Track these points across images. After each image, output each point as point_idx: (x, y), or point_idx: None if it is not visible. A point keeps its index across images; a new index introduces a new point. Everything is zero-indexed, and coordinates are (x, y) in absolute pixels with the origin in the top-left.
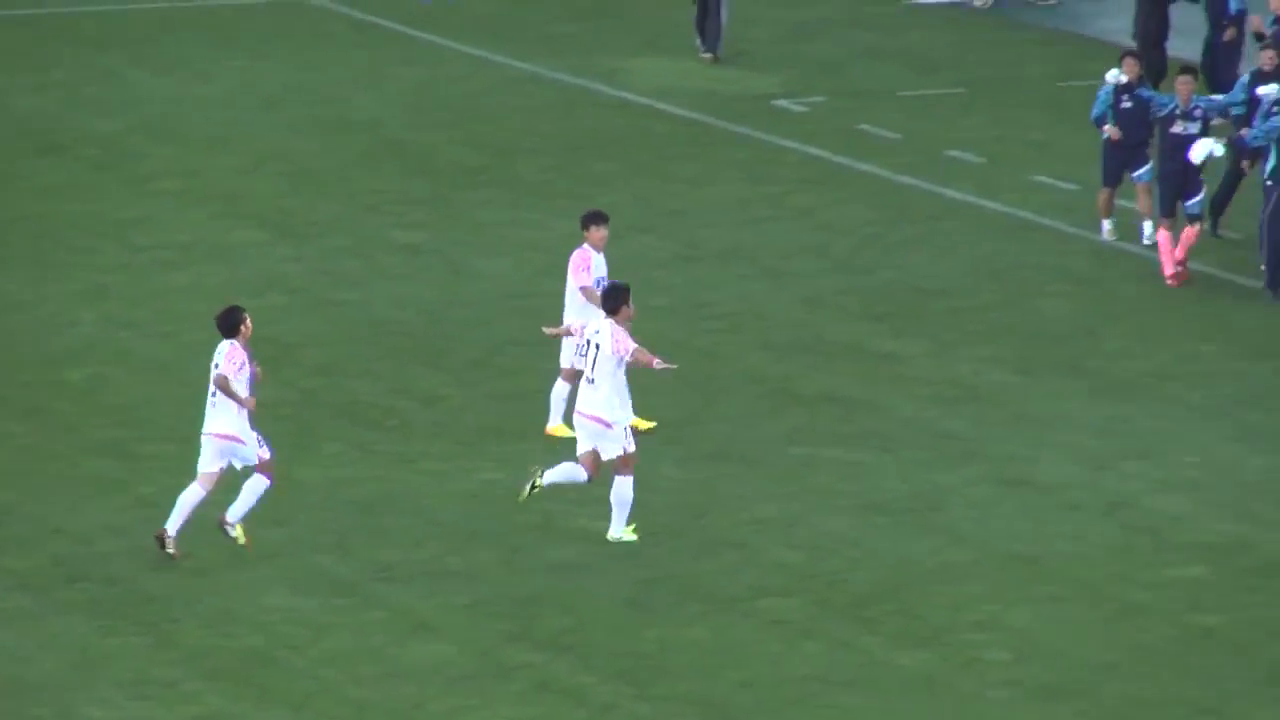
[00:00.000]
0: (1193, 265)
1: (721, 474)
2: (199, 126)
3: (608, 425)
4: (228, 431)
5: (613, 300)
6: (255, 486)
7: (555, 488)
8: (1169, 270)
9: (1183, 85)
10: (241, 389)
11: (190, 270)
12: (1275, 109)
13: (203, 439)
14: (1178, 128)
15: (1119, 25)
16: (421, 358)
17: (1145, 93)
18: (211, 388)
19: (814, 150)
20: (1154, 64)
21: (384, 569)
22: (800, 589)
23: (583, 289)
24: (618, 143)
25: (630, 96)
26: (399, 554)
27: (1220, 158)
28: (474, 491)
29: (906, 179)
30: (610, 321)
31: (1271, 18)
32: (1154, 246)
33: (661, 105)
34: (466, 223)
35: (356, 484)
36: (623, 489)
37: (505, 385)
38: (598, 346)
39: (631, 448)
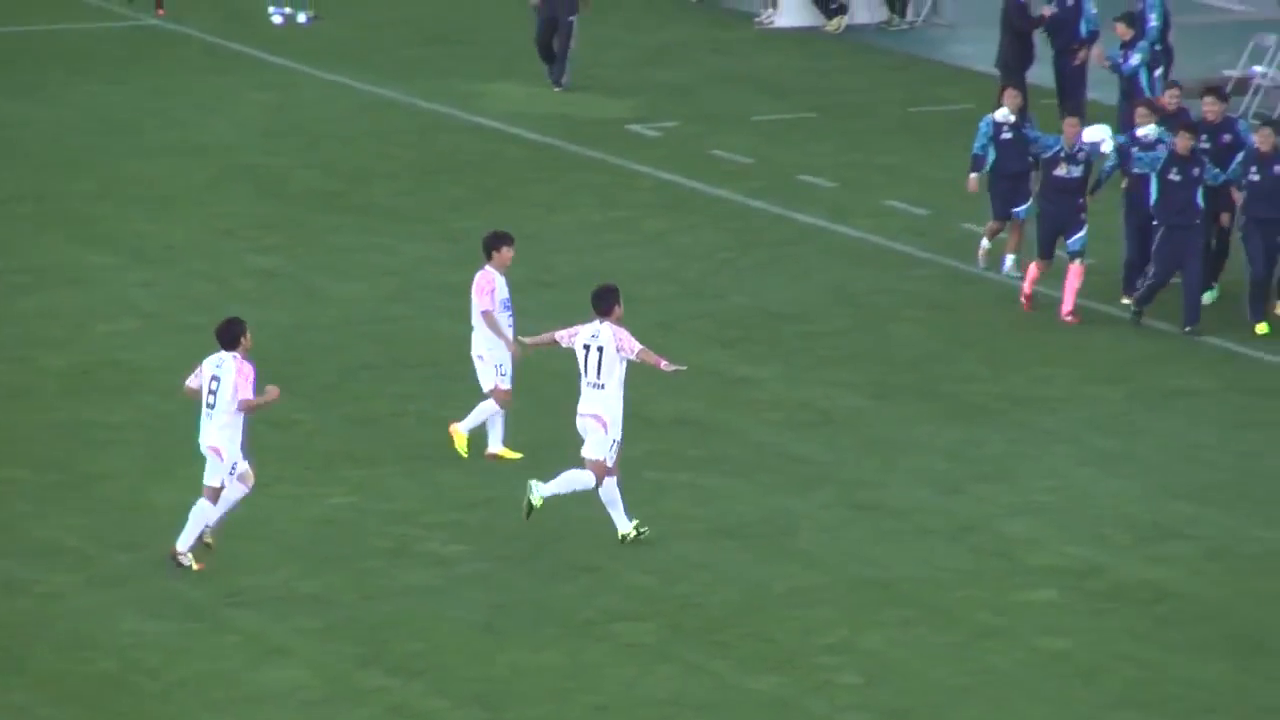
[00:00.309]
0: (1043, 289)
1: (575, 497)
2: (53, 150)
3: (604, 427)
4: (214, 444)
5: (605, 301)
6: (199, 510)
7: (558, 498)
8: (1027, 290)
9: (1069, 127)
10: (260, 396)
11: (43, 295)
12: (1160, 146)
13: (204, 450)
14: (1061, 170)
15: (970, 50)
16: (274, 382)
17: (1031, 133)
18: (211, 399)
19: (667, 175)
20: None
21: (237, 593)
22: (653, 613)
23: (484, 313)
24: (471, 167)
25: (484, 121)
26: (252, 578)
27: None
28: (327, 516)
29: (759, 204)
30: (609, 324)
31: (1118, 44)
32: (1018, 277)
33: (515, 130)
34: (320, 247)
35: None
36: (609, 491)
37: (358, 410)
38: (600, 350)
39: (611, 462)
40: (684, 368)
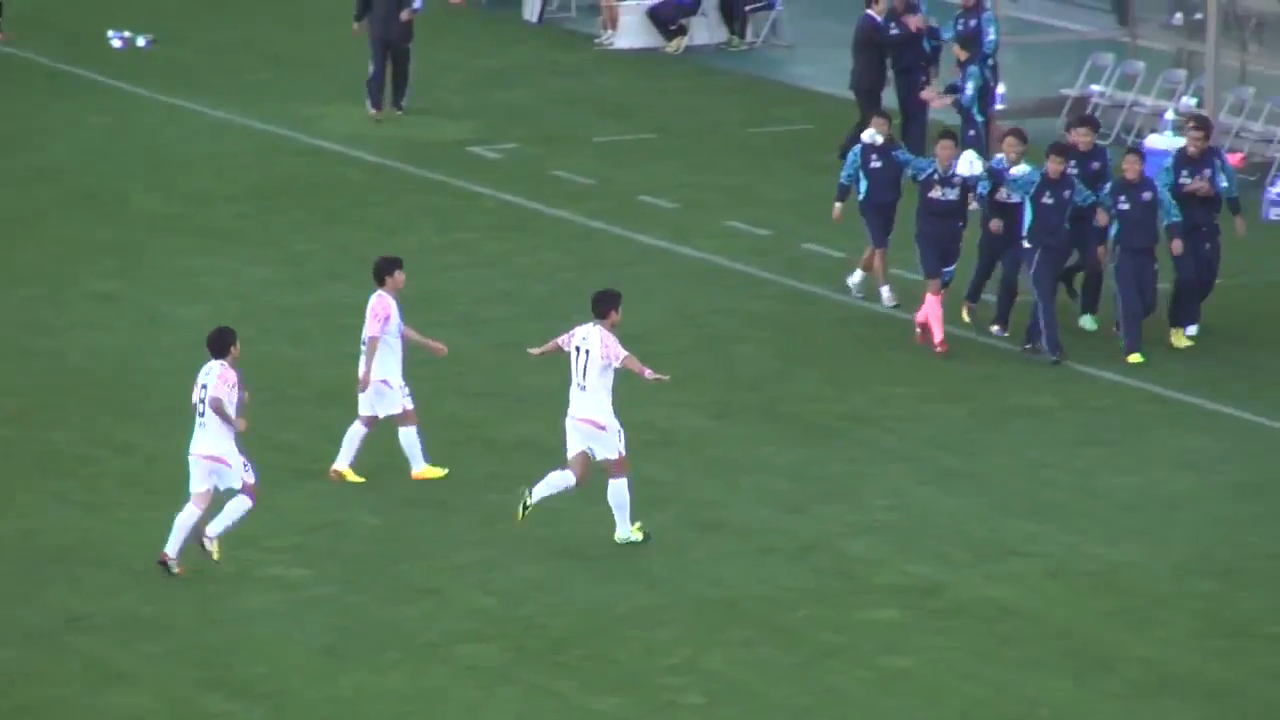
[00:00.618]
0: (881, 309)
1: (418, 520)
2: None
3: (602, 428)
4: (213, 453)
5: (603, 305)
6: (238, 506)
7: (546, 500)
8: (938, 336)
9: (943, 149)
10: (231, 410)
11: None
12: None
13: (190, 460)
14: (936, 193)
15: (810, 71)
16: (115, 406)
17: (903, 155)
18: (201, 408)
19: (507, 196)
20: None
21: (78, 618)
22: (496, 635)
23: (372, 338)
24: (312, 190)
25: (324, 144)
26: (93, 603)
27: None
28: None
29: (600, 225)
30: (599, 327)
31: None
32: (894, 308)
33: (356, 152)
34: (161, 271)
35: (50, 533)
36: (619, 491)
37: None
38: (587, 353)
39: (624, 450)
40: (666, 378)
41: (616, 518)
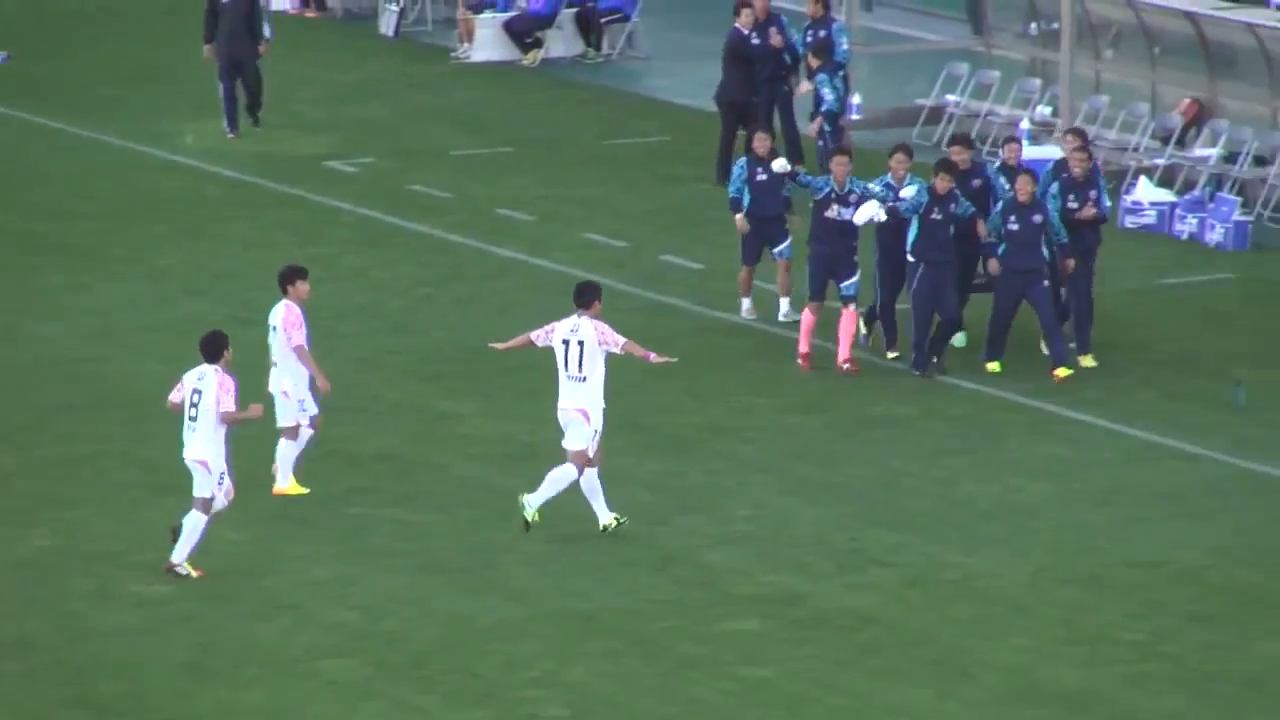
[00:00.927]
0: (740, 321)
1: (279, 535)
2: None
3: (586, 419)
4: (199, 456)
5: (589, 295)
6: (194, 523)
7: (551, 501)
8: (804, 348)
9: (838, 166)
10: (242, 413)
11: None
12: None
13: (188, 464)
14: (831, 211)
15: (666, 84)
16: None
17: (805, 178)
18: (193, 411)
19: (365, 211)
20: (731, 126)
21: None
22: (358, 649)
23: (298, 348)
24: (170, 206)
25: (182, 160)
26: None
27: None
28: (27, 559)
29: (459, 238)
30: (588, 317)
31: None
32: (791, 324)
33: (213, 168)
34: (18, 288)
35: None
36: (563, 474)
37: (59, 451)
38: (581, 344)
39: (592, 453)
40: (674, 359)
41: (542, 490)
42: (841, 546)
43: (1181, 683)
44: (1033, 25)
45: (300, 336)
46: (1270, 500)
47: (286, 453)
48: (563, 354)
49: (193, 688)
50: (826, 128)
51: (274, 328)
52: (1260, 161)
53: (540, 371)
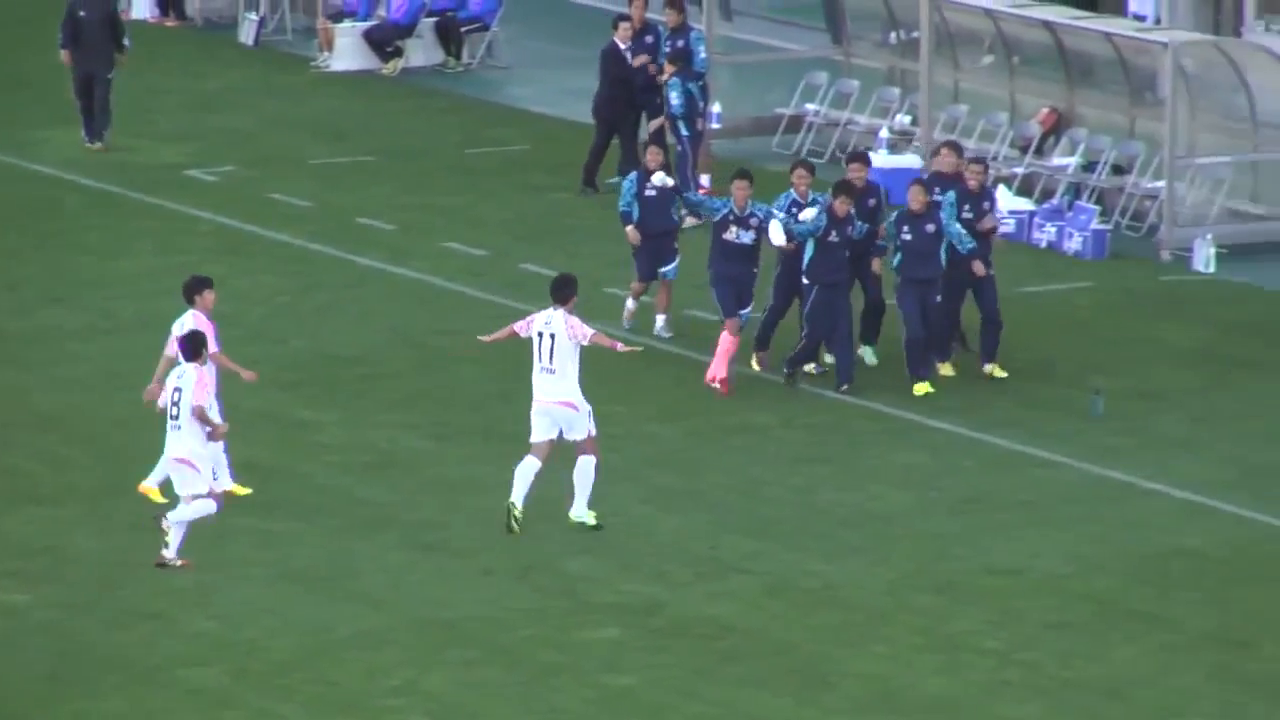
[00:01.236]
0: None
1: (138, 544)
2: None
3: (576, 408)
4: (182, 455)
5: (565, 290)
6: (202, 507)
7: (527, 495)
8: (722, 373)
9: (738, 190)
10: (216, 415)
11: None
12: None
13: (170, 464)
14: (730, 234)
15: (526, 92)
16: None
17: (693, 196)
18: (174, 410)
19: (225, 220)
20: (603, 138)
21: None
22: (218, 658)
23: (214, 353)
24: (27, 214)
25: (41, 168)
26: None
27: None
28: None
29: (319, 247)
30: (562, 311)
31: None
32: (666, 340)
33: (72, 176)
34: None
35: None
36: (587, 468)
37: None
38: (553, 336)
39: (595, 430)
40: (639, 349)
41: (577, 495)
42: (701, 554)
43: (1040, 690)
44: (892, 34)
45: (213, 344)
46: (1128, 508)
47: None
48: (537, 345)
49: (51, 697)
50: (684, 131)
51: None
52: (1118, 170)
53: (400, 380)
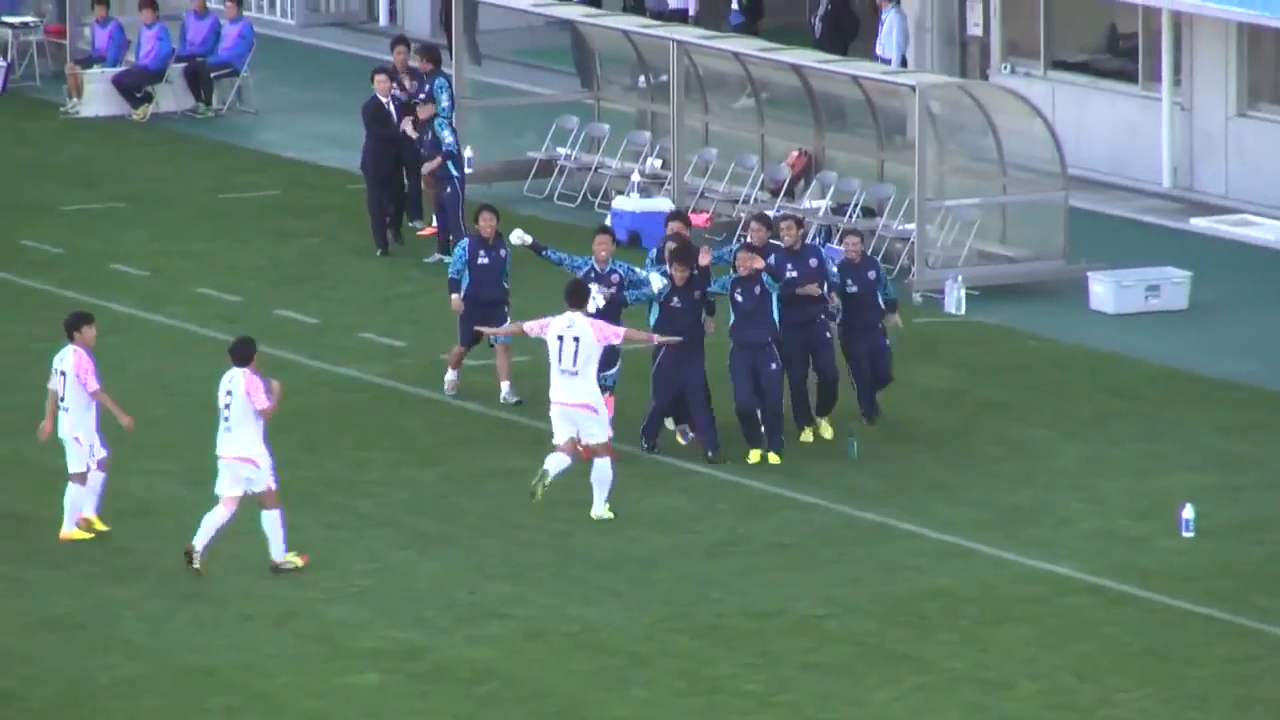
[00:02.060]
0: (354, 375)
1: None
2: None
3: (594, 411)
4: (243, 454)
5: (579, 295)
6: (273, 521)
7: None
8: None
9: (600, 246)
10: (269, 400)
11: None
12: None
13: (220, 463)
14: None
15: (276, 138)
16: None
17: (555, 254)
18: (226, 413)
19: None
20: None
21: None
22: None
23: (95, 393)
24: None
25: None
26: None
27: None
28: None
29: (71, 293)
30: (582, 314)
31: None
32: (511, 406)
33: None
34: None
35: None
36: (604, 469)
37: None
38: (576, 339)
39: (611, 432)
40: (677, 339)
41: (595, 495)
42: (461, 599)
43: None
44: (641, 78)
45: (94, 381)
46: (883, 549)
47: (75, 497)
48: (557, 349)
49: None
50: (454, 172)
51: (62, 373)
52: (869, 213)
53: (155, 427)
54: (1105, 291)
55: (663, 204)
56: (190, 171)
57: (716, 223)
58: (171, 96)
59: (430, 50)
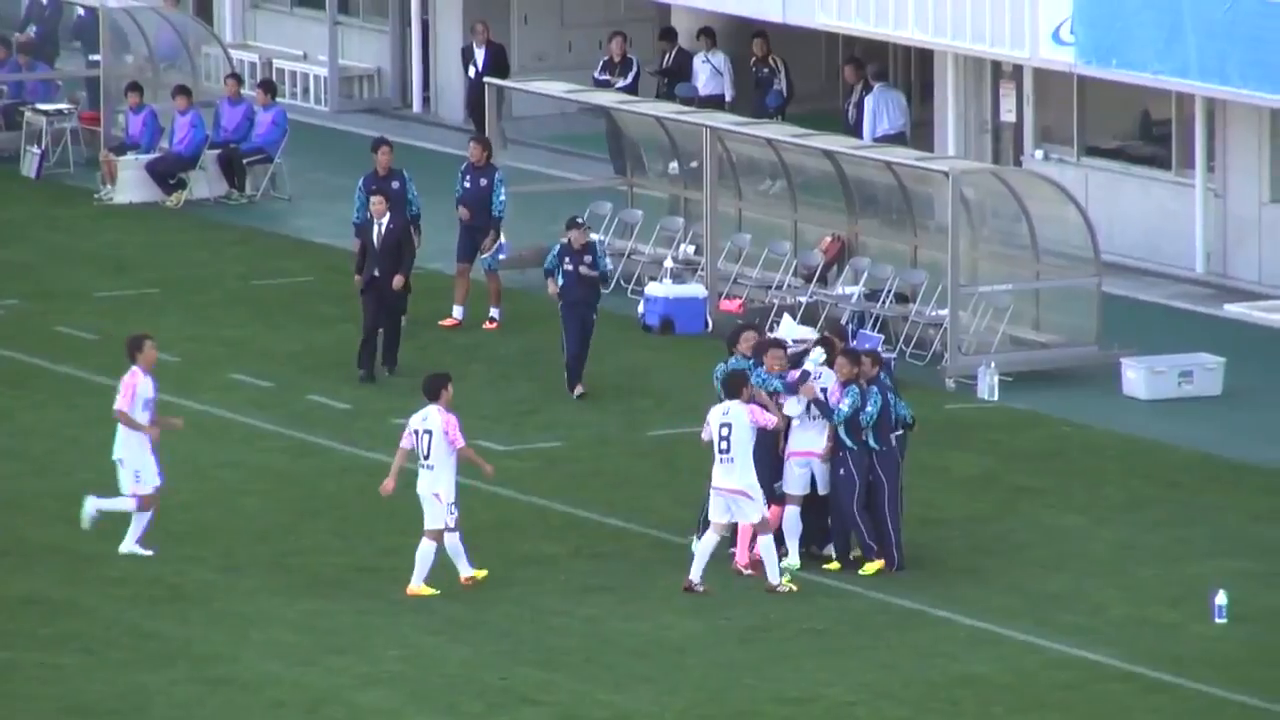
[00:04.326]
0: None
1: None
2: None
3: (750, 497)
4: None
5: (739, 383)
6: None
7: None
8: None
9: (773, 360)
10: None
11: None
12: None
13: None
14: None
15: (310, 224)
16: None
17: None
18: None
19: (9, 353)
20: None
21: None
22: None
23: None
24: None
25: None
26: None
27: None
28: None
29: (104, 379)
30: (740, 403)
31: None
32: (543, 494)
33: None
34: None
35: None
36: (769, 544)
37: None
38: (728, 426)
39: (766, 511)
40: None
41: (767, 566)
42: (492, 685)
43: None
44: (674, 164)
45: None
46: (915, 635)
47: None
48: (717, 439)
49: None
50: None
51: (429, 431)
52: (901, 299)
53: (187, 512)
54: (1138, 377)
55: (696, 290)
56: (223, 257)
57: (750, 308)
58: (205, 183)
59: (485, 140)
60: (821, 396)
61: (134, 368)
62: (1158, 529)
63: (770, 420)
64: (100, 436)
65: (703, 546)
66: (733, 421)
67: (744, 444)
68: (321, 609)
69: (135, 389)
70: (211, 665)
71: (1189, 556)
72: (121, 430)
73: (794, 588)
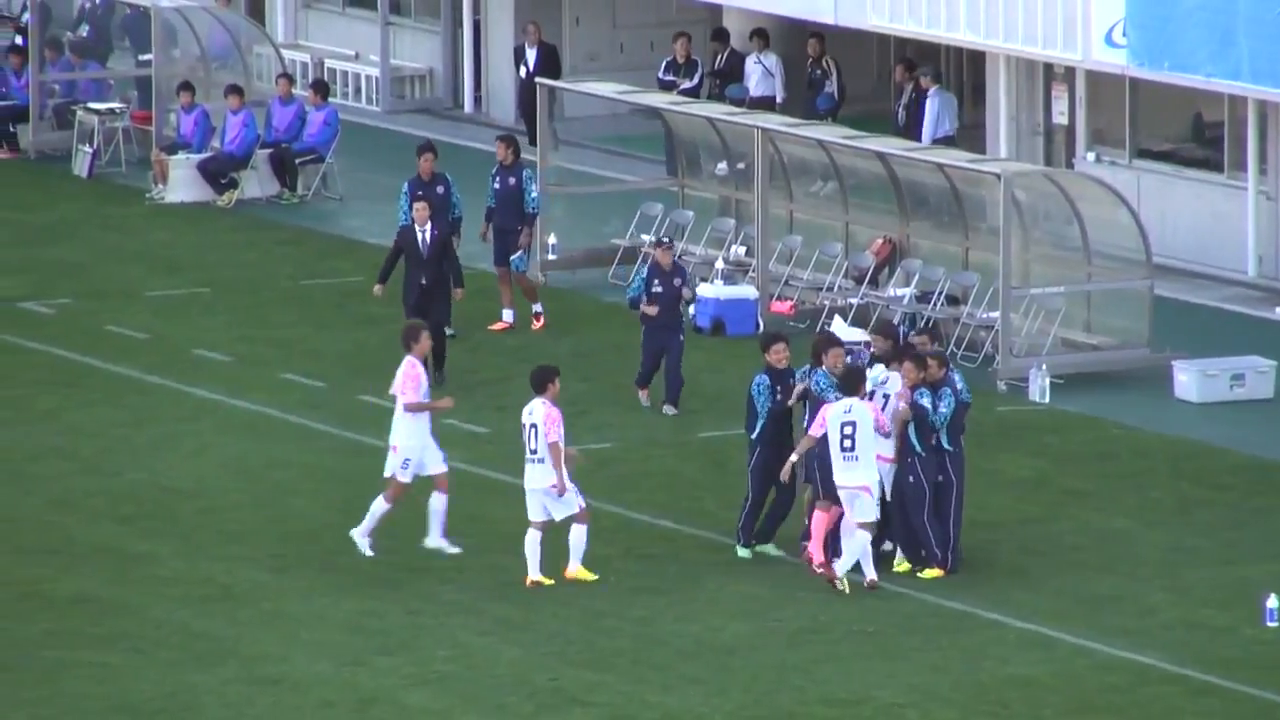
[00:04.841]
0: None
1: None
2: None
3: (870, 493)
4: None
5: (857, 380)
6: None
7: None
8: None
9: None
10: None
11: None
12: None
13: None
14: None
15: (360, 224)
16: None
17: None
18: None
19: (61, 352)
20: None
21: None
22: None
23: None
24: None
25: None
26: None
27: None
28: None
29: (155, 379)
30: (864, 401)
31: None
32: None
33: None
34: None
35: None
36: (863, 538)
37: None
38: (853, 424)
39: (877, 514)
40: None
41: (863, 563)
42: (542, 686)
43: None
44: (721, 165)
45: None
46: (965, 637)
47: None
48: (837, 436)
49: None
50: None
51: (534, 426)
52: (953, 301)
53: (237, 512)
54: (1190, 380)
55: (748, 291)
56: (274, 257)
57: (800, 310)
58: (256, 183)
59: (511, 139)
60: (915, 404)
61: (408, 357)
62: (1208, 532)
63: (885, 424)
64: (151, 435)
65: (857, 546)
66: (857, 420)
67: (868, 441)
68: (371, 609)
69: (419, 378)
70: (261, 665)
71: (1239, 559)
72: (407, 419)
73: (846, 589)
